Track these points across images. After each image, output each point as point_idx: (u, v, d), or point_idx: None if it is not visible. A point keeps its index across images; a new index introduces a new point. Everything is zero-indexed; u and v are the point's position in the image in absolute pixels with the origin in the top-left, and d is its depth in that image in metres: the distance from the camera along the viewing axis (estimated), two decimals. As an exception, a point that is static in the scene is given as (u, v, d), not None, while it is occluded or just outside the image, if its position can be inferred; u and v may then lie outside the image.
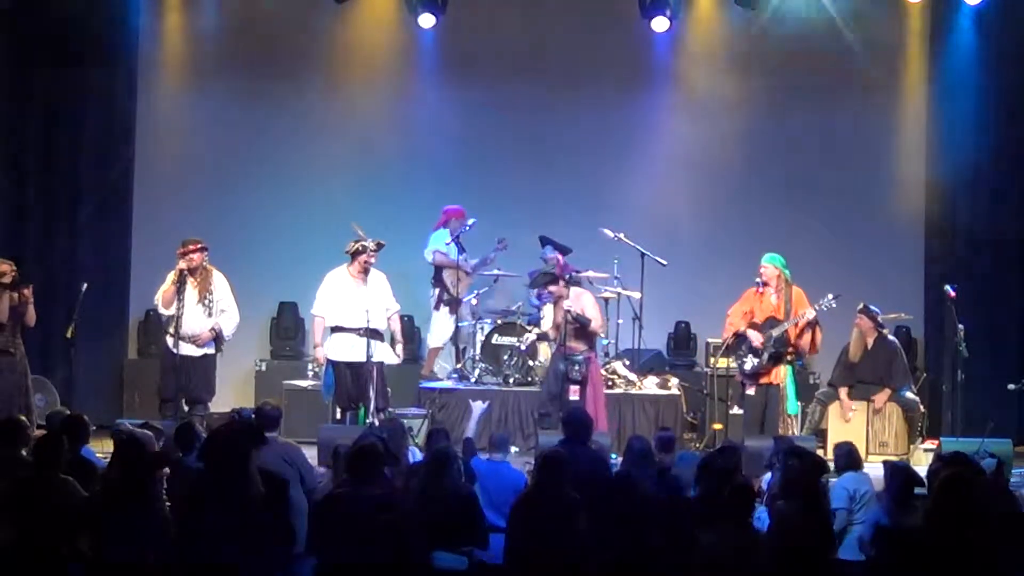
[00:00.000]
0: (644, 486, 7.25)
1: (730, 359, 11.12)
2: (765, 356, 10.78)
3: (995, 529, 6.16)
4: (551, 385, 10.96)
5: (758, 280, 10.94)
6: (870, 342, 11.47)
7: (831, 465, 9.08)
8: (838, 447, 8.46)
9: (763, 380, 10.89)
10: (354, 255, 10.92)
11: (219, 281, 10.98)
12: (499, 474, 8.15)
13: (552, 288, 11.12)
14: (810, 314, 10.75)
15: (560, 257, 11.76)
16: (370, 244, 10.89)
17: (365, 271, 10.92)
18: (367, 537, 6.33)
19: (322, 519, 6.53)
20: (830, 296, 10.83)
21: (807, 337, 10.86)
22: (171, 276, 10.89)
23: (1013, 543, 6.26)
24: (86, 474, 7.26)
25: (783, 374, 10.92)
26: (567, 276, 11.24)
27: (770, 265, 10.93)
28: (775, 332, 10.78)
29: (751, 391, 10.94)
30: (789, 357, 10.94)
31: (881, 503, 7.32)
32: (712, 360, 11.77)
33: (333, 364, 10.95)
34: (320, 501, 6.79)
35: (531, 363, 12.14)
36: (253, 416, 8.77)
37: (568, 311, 10.87)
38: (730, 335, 10.93)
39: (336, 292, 10.92)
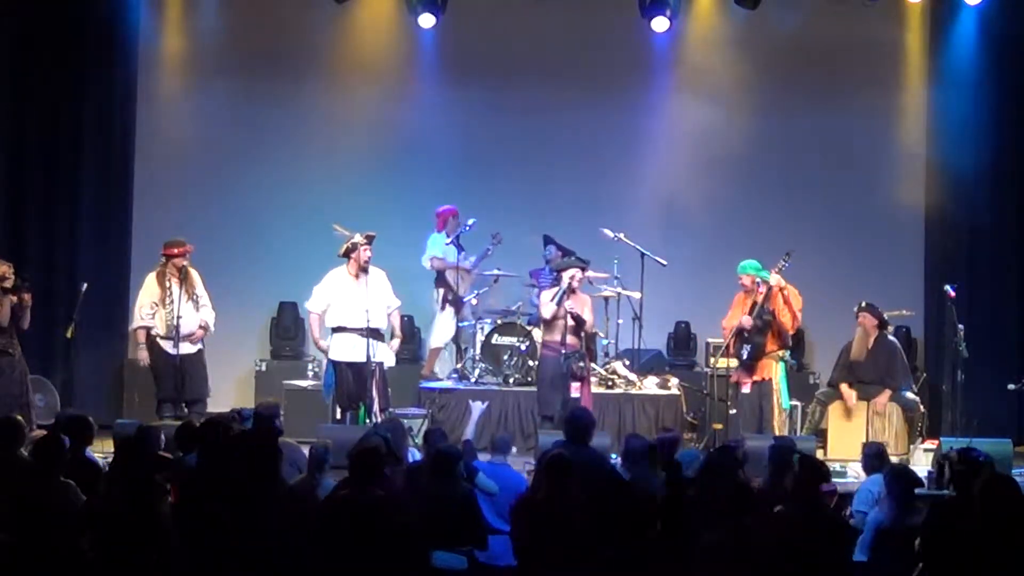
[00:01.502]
0: (643, 485, 7.26)
1: (729, 360, 11.16)
2: (755, 337, 10.84)
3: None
4: (556, 385, 10.86)
5: (750, 288, 11.04)
6: (871, 341, 11.46)
7: (833, 467, 9.12)
8: (868, 447, 8.43)
9: (756, 377, 11.00)
10: (347, 254, 10.93)
11: (197, 278, 11.08)
12: (500, 476, 8.14)
13: (573, 275, 11.01)
14: (773, 279, 10.83)
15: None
16: (359, 239, 10.89)
17: (364, 268, 10.90)
18: (368, 538, 6.33)
19: (323, 520, 6.53)
20: (785, 255, 10.86)
21: (780, 303, 10.91)
22: (153, 282, 10.92)
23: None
24: (89, 475, 7.26)
25: (775, 370, 11.00)
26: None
27: (743, 275, 11.08)
28: (755, 311, 10.89)
29: (746, 388, 11.03)
30: (780, 353, 11.01)
31: (883, 506, 7.32)
32: (712, 360, 11.78)
33: (334, 364, 10.94)
34: (322, 502, 6.78)
35: (531, 363, 12.12)
36: (252, 416, 8.79)
37: (570, 311, 10.84)
38: (730, 337, 11.01)
39: (335, 291, 10.92)
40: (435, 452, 7.66)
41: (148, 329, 10.92)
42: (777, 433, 10.59)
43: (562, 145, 13.48)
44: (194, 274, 11.05)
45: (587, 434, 8.39)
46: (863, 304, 11.50)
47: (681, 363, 13.23)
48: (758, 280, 11.04)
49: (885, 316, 11.51)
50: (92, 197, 13.04)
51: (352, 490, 6.57)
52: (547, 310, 11.06)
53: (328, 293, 10.94)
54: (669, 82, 13.59)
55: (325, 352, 11.07)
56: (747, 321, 10.91)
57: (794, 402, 11.92)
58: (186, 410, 10.89)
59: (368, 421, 10.60)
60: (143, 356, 10.95)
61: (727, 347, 11.10)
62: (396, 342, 11.25)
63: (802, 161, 13.52)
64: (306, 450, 8.51)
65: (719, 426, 11.24)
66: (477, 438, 10.84)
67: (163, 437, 8.37)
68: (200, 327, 11.00)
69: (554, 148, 13.49)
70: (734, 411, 11.10)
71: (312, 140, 13.39)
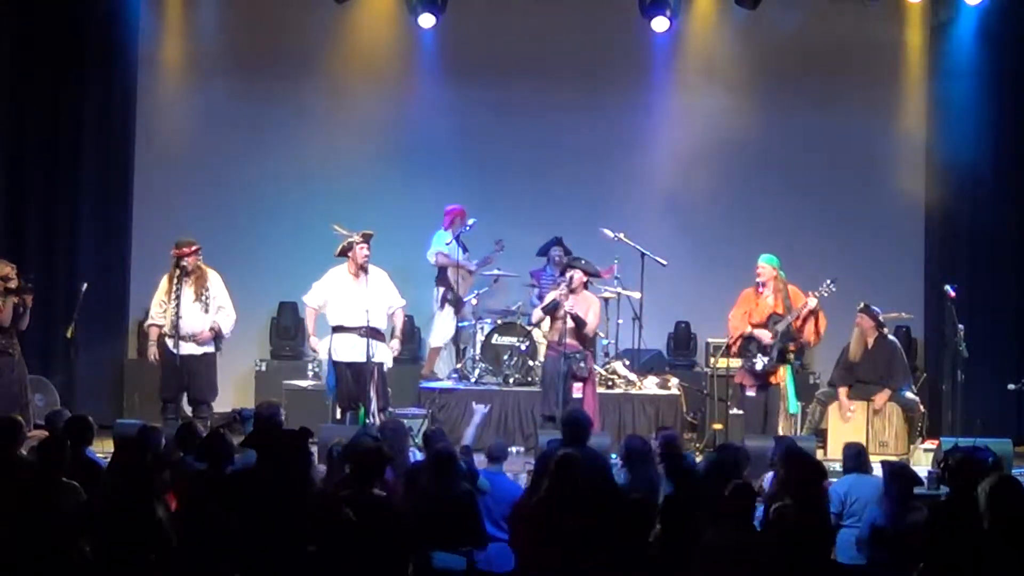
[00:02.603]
0: (644, 487, 7.26)
1: (730, 360, 11.09)
2: (775, 353, 10.79)
3: None
4: (556, 386, 10.83)
5: (759, 280, 10.96)
6: (870, 342, 11.45)
7: (832, 466, 9.11)
8: (847, 447, 8.43)
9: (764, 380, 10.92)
10: (344, 253, 10.93)
11: (214, 279, 10.99)
12: (495, 485, 8.13)
13: (575, 275, 10.91)
14: (812, 302, 10.79)
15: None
16: (356, 237, 10.89)
17: (363, 268, 10.89)
18: (367, 538, 6.33)
19: (324, 519, 6.52)
20: (828, 282, 10.86)
21: (810, 326, 10.91)
22: (165, 280, 10.91)
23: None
24: (90, 475, 7.27)
25: (783, 374, 10.96)
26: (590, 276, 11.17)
27: (767, 265, 10.96)
28: (780, 327, 10.80)
29: (751, 392, 10.92)
30: (790, 355, 10.96)
31: (881, 505, 7.32)
32: (712, 360, 11.76)
33: (334, 364, 10.94)
34: (322, 502, 6.78)
35: (531, 363, 12.13)
36: (252, 416, 8.80)
37: (569, 312, 10.81)
38: (736, 338, 10.88)
39: (334, 290, 10.92)
40: (435, 452, 7.66)
41: (159, 327, 10.90)
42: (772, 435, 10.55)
43: (562, 145, 13.48)
44: (210, 275, 10.95)
45: (584, 435, 8.39)
46: (861, 305, 11.48)
47: (681, 363, 13.23)
48: (776, 276, 10.94)
49: (882, 319, 11.50)
50: (92, 197, 13.03)
51: (352, 490, 6.57)
52: (535, 314, 11.11)
53: (326, 290, 10.94)
54: (669, 82, 13.59)
55: (315, 352, 11.05)
56: (765, 337, 10.80)
57: (796, 402, 11.94)
58: (189, 411, 10.87)
59: (368, 421, 10.60)
60: (152, 353, 10.91)
61: (730, 347, 11.00)
62: (396, 343, 11.21)
63: (802, 161, 13.52)
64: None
65: (719, 426, 11.21)
66: (476, 443, 10.89)
67: (163, 438, 8.36)
68: (210, 329, 10.93)
69: (554, 148, 13.49)
70: (736, 412, 11.04)
71: (312, 140, 13.39)
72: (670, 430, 9.89)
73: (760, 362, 10.83)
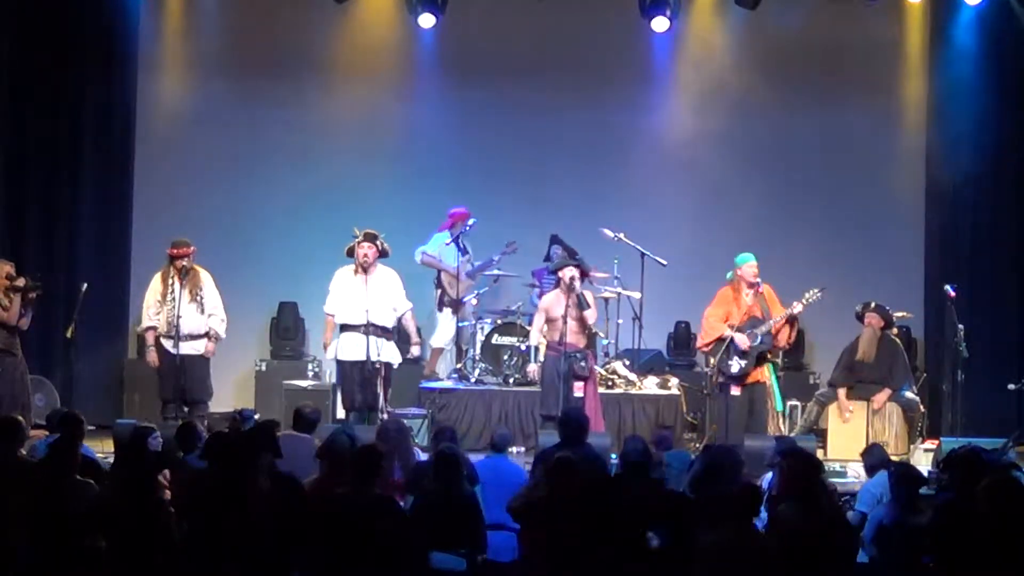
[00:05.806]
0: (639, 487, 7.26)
1: (713, 361, 11.04)
2: (753, 356, 10.78)
3: None
4: (556, 385, 10.80)
5: (755, 281, 10.91)
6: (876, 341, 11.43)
7: (832, 467, 9.11)
8: (868, 455, 8.43)
9: (748, 379, 10.89)
10: (351, 253, 10.98)
11: (207, 280, 11.00)
12: (498, 470, 8.17)
13: (568, 271, 10.85)
14: (798, 308, 10.77)
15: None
16: (359, 236, 10.91)
17: (364, 267, 10.91)
18: (366, 538, 6.32)
19: (322, 519, 6.53)
20: (816, 289, 10.83)
21: (786, 332, 10.89)
22: (157, 279, 10.90)
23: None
24: (90, 473, 7.27)
25: (766, 373, 10.95)
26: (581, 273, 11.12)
27: (755, 263, 10.91)
28: (761, 330, 10.78)
29: (736, 391, 10.86)
30: (769, 355, 10.96)
31: (887, 505, 7.31)
32: (711, 360, 11.74)
33: (339, 363, 10.96)
34: (321, 501, 6.78)
35: (531, 363, 12.11)
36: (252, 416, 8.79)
37: (576, 293, 10.70)
38: (712, 339, 10.86)
39: (340, 290, 10.95)
40: (439, 453, 7.64)
41: (155, 329, 10.89)
42: (771, 434, 10.53)
43: (562, 145, 13.48)
44: (203, 276, 10.95)
45: (582, 434, 8.39)
46: (872, 304, 11.44)
47: (681, 363, 13.22)
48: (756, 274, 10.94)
49: (894, 318, 11.48)
50: (92, 197, 13.04)
51: (352, 490, 6.56)
52: (534, 337, 11.09)
53: (336, 292, 10.98)
54: (669, 82, 13.59)
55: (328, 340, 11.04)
56: (743, 342, 10.79)
57: (794, 402, 11.91)
58: (186, 411, 10.87)
59: (378, 418, 10.60)
60: (152, 358, 10.91)
61: (707, 346, 10.96)
62: (415, 349, 11.30)
63: (802, 161, 13.52)
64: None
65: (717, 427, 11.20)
66: (478, 437, 10.91)
67: (161, 437, 8.36)
68: (210, 337, 10.91)
69: (554, 148, 13.49)
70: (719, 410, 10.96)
71: (312, 140, 13.39)
72: (666, 429, 9.90)
73: (736, 365, 10.82)
